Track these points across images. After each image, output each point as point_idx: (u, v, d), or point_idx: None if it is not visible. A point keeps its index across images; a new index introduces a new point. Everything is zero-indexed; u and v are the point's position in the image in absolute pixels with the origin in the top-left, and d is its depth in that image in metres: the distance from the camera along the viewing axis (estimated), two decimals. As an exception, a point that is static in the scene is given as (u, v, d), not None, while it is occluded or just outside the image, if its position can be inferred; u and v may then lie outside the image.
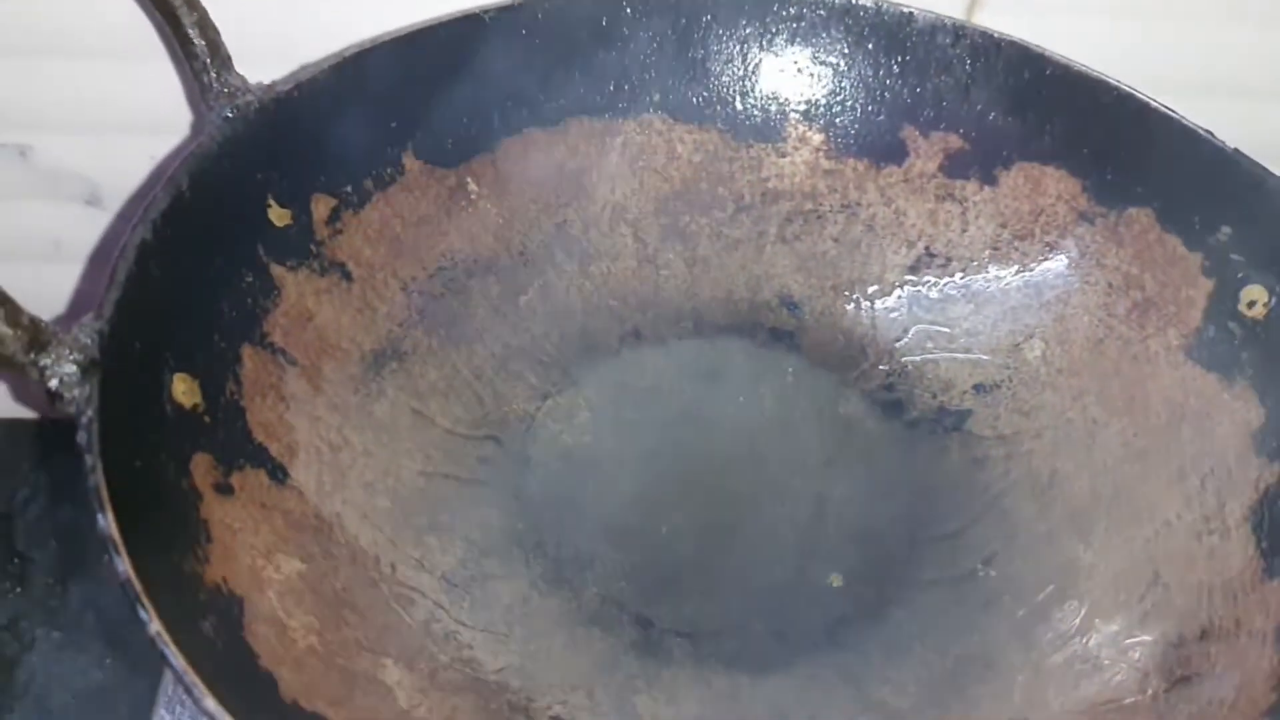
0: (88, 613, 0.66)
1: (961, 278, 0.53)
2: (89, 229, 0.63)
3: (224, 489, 0.38)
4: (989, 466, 0.48)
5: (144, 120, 0.58)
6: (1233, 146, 0.46)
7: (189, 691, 0.28)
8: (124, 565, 0.30)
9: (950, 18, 0.52)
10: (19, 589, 0.67)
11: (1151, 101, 0.48)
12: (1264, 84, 0.58)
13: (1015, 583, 0.44)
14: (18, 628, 0.65)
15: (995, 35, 0.51)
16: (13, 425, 0.74)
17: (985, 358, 0.51)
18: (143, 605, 0.29)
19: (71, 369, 0.34)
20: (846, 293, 0.54)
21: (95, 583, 0.67)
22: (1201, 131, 0.47)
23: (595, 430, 0.49)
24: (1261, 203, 0.45)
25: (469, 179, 0.52)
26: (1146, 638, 0.40)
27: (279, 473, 0.41)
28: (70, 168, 0.61)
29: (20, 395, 0.72)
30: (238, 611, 0.34)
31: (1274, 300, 0.44)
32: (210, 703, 0.28)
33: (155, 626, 0.29)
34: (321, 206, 0.47)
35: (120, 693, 0.62)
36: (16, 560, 0.68)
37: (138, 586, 0.29)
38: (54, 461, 0.73)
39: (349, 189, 0.48)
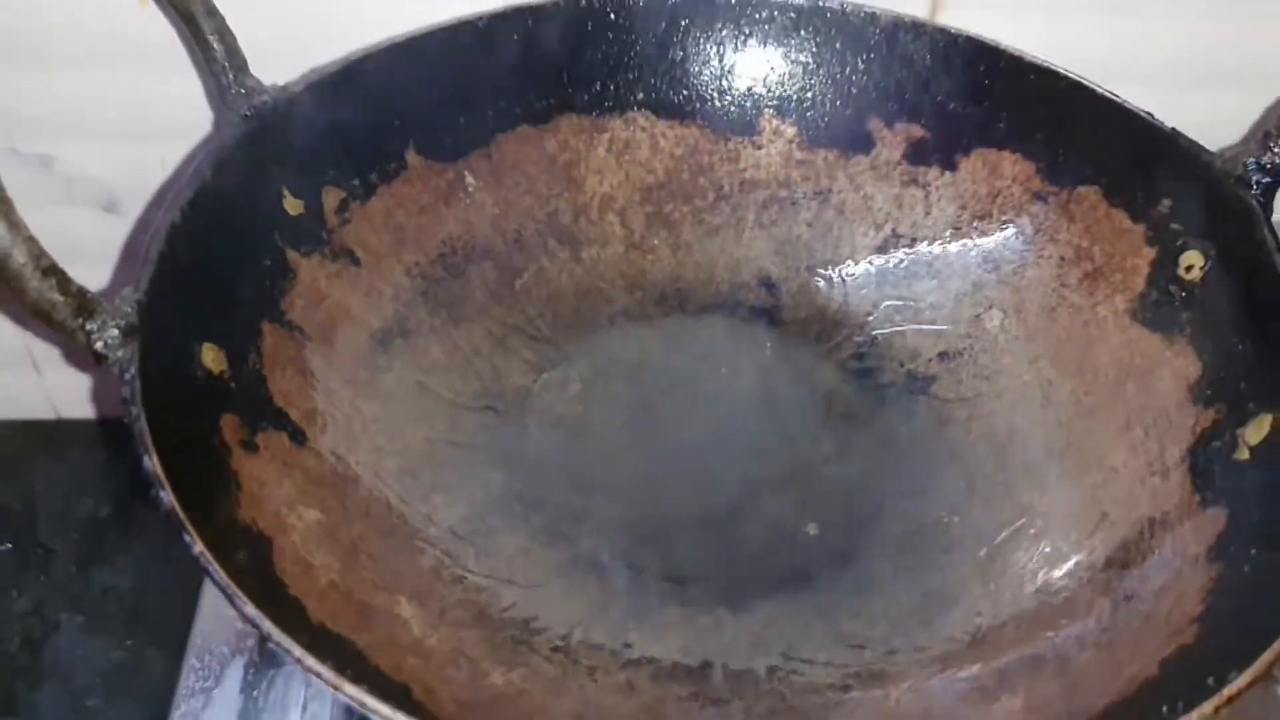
0: (108, 598, 0.69)
1: (926, 256, 0.56)
2: (107, 234, 0.67)
3: (250, 446, 0.41)
4: (953, 426, 0.52)
5: (158, 128, 0.61)
6: (1170, 126, 0.50)
7: (231, 601, 0.32)
8: (168, 497, 0.33)
9: (911, 16, 0.55)
10: (43, 577, 0.70)
11: (1097, 88, 0.52)
12: (1199, 71, 0.62)
13: (977, 528, 0.47)
14: (43, 612, 0.68)
15: (952, 31, 0.55)
16: (30, 425, 0.77)
17: (948, 328, 0.54)
18: (187, 530, 0.33)
19: (114, 333, 0.37)
20: (820, 272, 0.57)
21: (114, 569, 0.71)
22: (1142, 114, 0.50)
23: (587, 400, 0.53)
24: (1197, 176, 0.48)
25: (466, 173, 0.55)
26: (1095, 568, 0.43)
27: (298, 435, 0.44)
28: (90, 175, 0.64)
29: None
30: (267, 548, 0.38)
31: (1209, 264, 0.48)
32: (251, 609, 0.31)
33: (199, 547, 0.32)
34: (331, 198, 0.51)
35: (140, 671, 0.65)
36: (39, 550, 0.71)
37: (181, 515, 0.33)
38: (71, 458, 0.76)
39: (356, 182, 0.52)
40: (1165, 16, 0.60)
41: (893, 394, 0.53)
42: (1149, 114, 0.50)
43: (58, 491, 0.75)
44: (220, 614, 0.48)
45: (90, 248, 0.66)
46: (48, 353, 0.74)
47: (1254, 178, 0.46)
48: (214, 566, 0.32)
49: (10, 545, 0.71)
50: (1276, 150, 0.46)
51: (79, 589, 0.70)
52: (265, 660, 0.46)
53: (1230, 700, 0.31)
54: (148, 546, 0.71)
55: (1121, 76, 0.53)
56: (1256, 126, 0.59)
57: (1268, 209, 0.46)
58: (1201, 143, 0.50)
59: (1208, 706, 0.31)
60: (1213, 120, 0.57)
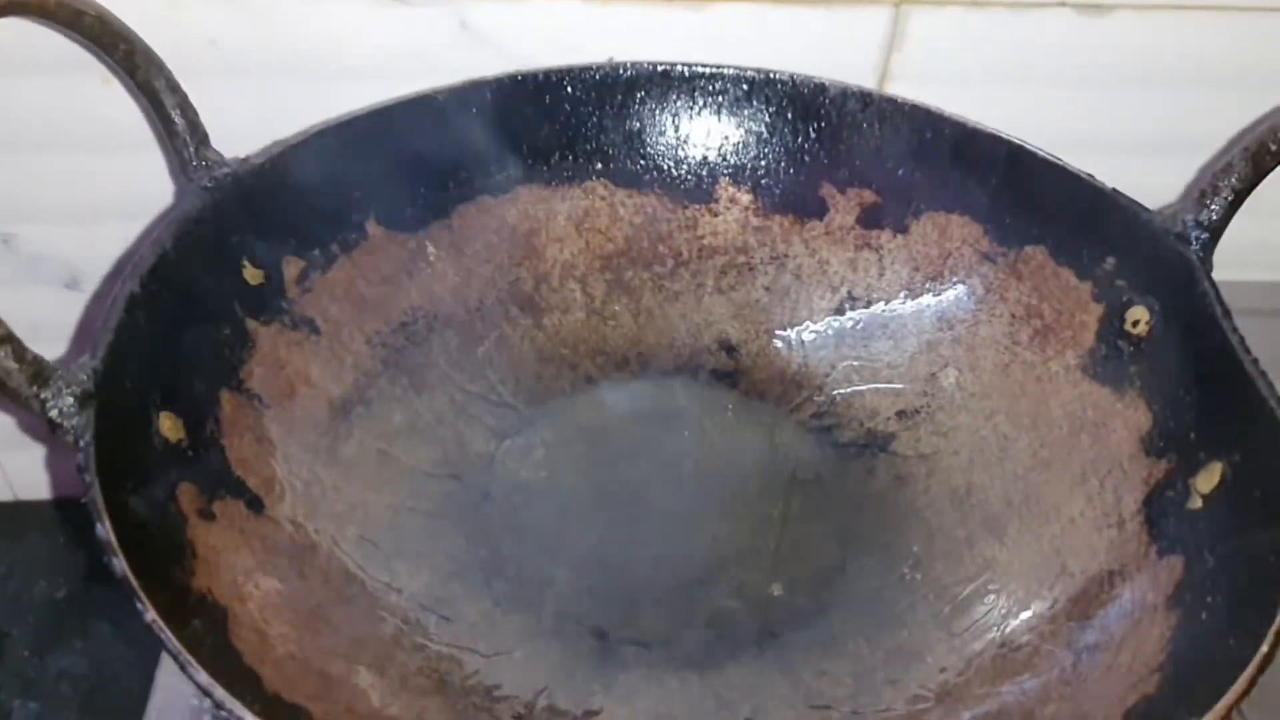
0: (63, 683, 0.68)
1: (881, 317, 0.57)
2: (68, 311, 0.67)
3: (207, 514, 0.41)
4: (912, 483, 0.52)
5: (121, 207, 0.62)
6: (1111, 187, 0.52)
7: (184, 669, 0.31)
8: (120, 564, 0.33)
9: (859, 86, 0.57)
10: (-3, 662, 0.69)
11: (1039, 151, 0.53)
12: (1134, 139, 0.64)
13: (939, 582, 0.48)
14: (-4, 699, 0.67)
15: (899, 100, 0.56)
16: (-13, 507, 0.76)
17: (906, 386, 0.55)
18: (139, 598, 0.32)
19: (70, 401, 0.37)
20: (779, 335, 0.58)
21: (71, 654, 0.69)
22: (1083, 175, 0.52)
23: (550, 466, 0.53)
24: (1138, 234, 0.50)
25: (428, 243, 0.56)
26: (1057, 620, 0.44)
27: (256, 503, 0.44)
28: (51, 253, 0.65)
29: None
30: (222, 617, 0.37)
31: (1154, 319, 0.49)
32: (203, 676, 0.31)
33: (151, 615, 0.32)
34: (292, 267, 0.51)
35: (95, 759, 0.64)
36: (-5, 635, 0.70)
37: (134, 582, 0.32)
38: (27, 540, 0.75)
39: (317, 252, 0.52)
40: (1101, 88, 0.62)
41: (853, 452, 0.54)
42: (1089, 175, 0.52)
43: (13, 574, 0.73)
44: (176, 689, 0.47)
45: (52, 324, 0.67)
46: (4, 435, 0.73)
47: (1193, 234, 0.48)
48: (166, 634, 0.32)
49: (-37, 630, 0.70)
50: (1213, 207, 0.48)
51: (34, 674, 0.68)
52: (221, 737, 0.45)
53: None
54: (104, 629, 0.70)
55: (1063, 144, 0.55)
56: (1193, 185, 0.62)
57: (1207, 263, 0.48)
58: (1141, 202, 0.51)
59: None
60: (1150, 184, 0.60)
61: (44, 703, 0.67)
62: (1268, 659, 0.34)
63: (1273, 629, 0.34)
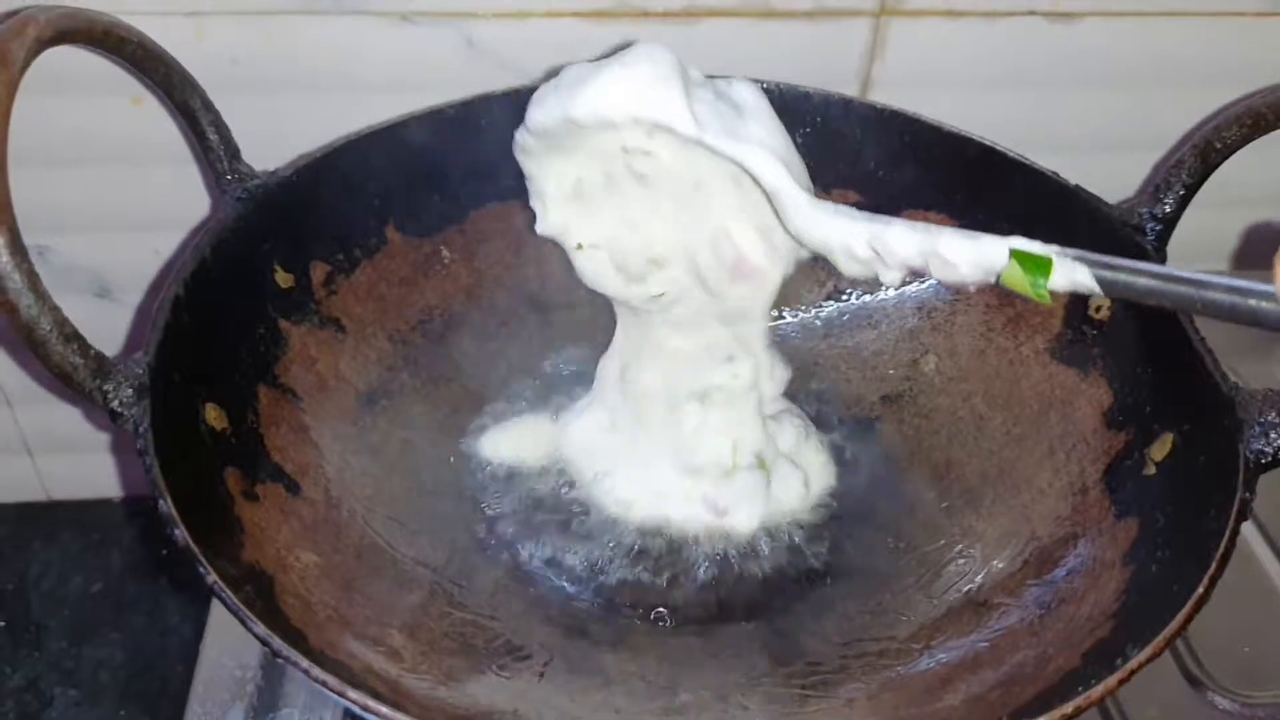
0: (101, 672, 0.72)
1: (866, 308, 0.61)
2: (100, 319, 0.71)
3: (251, 496, 0.45)
4: (897, 463, 0.56)
5: (149, 220, 0.66)
6: (1074, 183, 0.56)
7: (244, 623, 0.35)
8: (183, 534, 0.37)
9: (841, 93, 0.61)
10: (37, 653, 0.72)
11: (1008, 151, 0.57)
12: (1100, 136, 0.68)
13: (921, 549, 0.52)
14: (37, 687, 0.71)
15: (879, 106, 0.60)
16: (24, 508, 0.80)
17: (890, 372, 0.59)
18: (201, 564, 0.36)
19: (129, 393, 0.41)
20: (772, 323, 0.62)
21: (106, 645, 0.73)
22: (1048, 172, 0.56)
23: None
24: (1099, 226, 0.54)
25: (443, 247, 0.60)
26: (1027, 579, 0.48)
27: (294, 486, 0.48)
28: (83, 264, 0.68)
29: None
30: (269, 584, 0.41)
31: (1115, 304, 0.53)
32: (261, 628, 0.35)
33: (213, 577, 0.36)
34: (319, 271, 0.55)
35: (134, 744, 0.67)
36: (33, 628, 0.74)
37: (195, 550, 0.36)
38: (62, 540, 0.79)
39: (341, 257, 0.56)
40: (1070, 89, 0.66)
41: (841, 437, 0.58)
42: (1054, 173, 0.56)
43: (49, 571, 0.77)
44: (220, 663, 0.50)
45: (85, 331, 0.70)
46: (39, 437, 0.77)
47: (1148, 225, 0.52)
48: (227, 594, 0.35)
49: (4, 624, 0.73)
50: (1166, 201, 0.52)
51: (72, 664, 0.72)
52: (264, 704, 0.49)
53: (1132, 674, 0.36)
54: (137, 621, 0.74)
55: (1035, 142, 0.59)
56: (1148, 181, 0.66)
57: (1161, 253, 0.52)
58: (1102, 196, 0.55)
59: (1112, 680, 0.35)
60: (1116, 177, 0.64)
61: (83, 690, 0.70)
62: (1203, 599, 0.38)
63: (1207, 574, 0.38)
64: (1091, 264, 0.38)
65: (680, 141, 0.44)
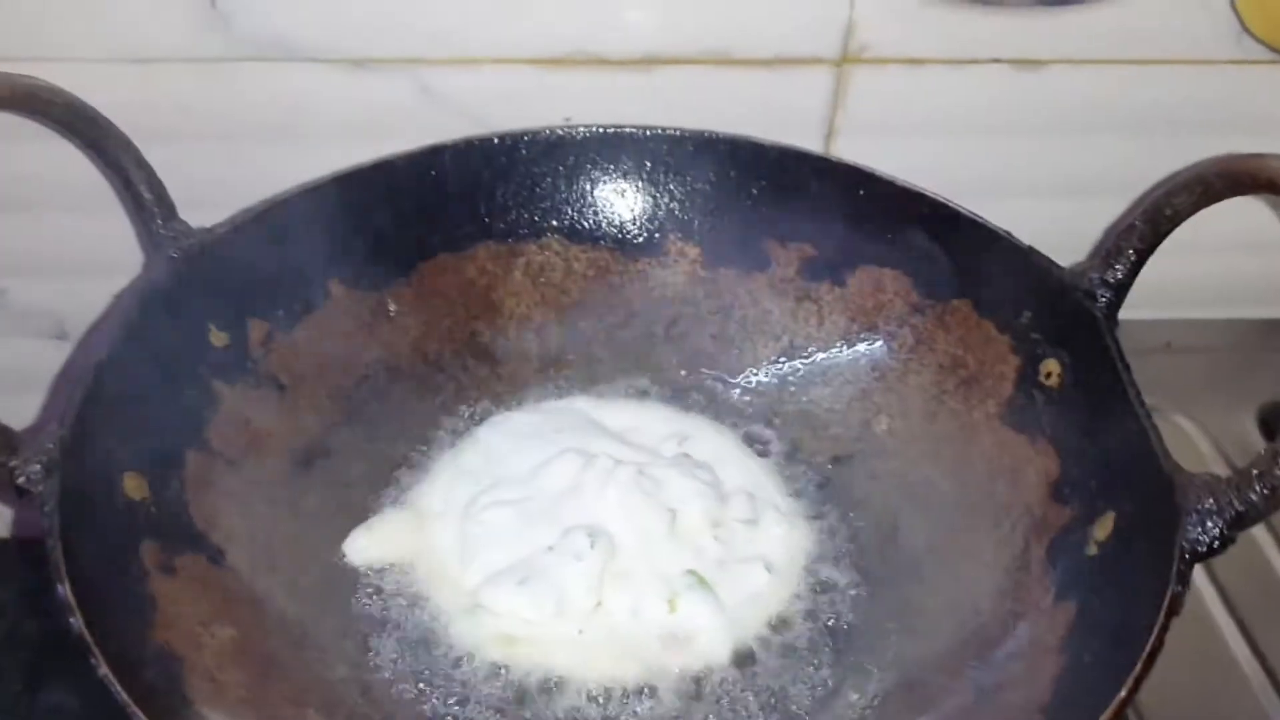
0: (55, 718, 0.71)
1: (820, 365, 0.60)
2: (57, 362, 0.70)
3: (168, 569, 0.44)
4: (844, 526, 0.55)
5: (107, 262, 0.65)
6: (1028, 244, 0.54)
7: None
8: (78, 622, 0.36)
9: (797, 147, 0.60)
10: (-10, 696, 0.71)
11: (961, 210, 0.56)
12: (1065, 184, 0.67)
13: (863, 623, 0.50)
14: (-12, 733, 0.70)
15: (833, 160, 0.60)
16: (-16, 545, 0.79)
17: (841, 431, 0.58)
18: (93, 654, 0.35)
19: (36, 468, 0.41)
20: (726, 380, 0.61)
21: (62, 689, 0.72)
22: (1001, 233, 0.55)
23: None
24: (1050, 289, 0.53)
25: (389, 299, 0.59)
26: (965, 659, 0.46)
27: (217, 556, 0.47)
28: (41, 307, 0.68)
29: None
30: (178, 667, 0.40)
31: (1065, 371, 0.52)
32: (145, 728, 0.34)
33: (104, 670, 0.35)
34: (256, 330, 0.54)
35: (86, 795, 0.66)
36: (-12, 669, 0.73)
37: (89, 639, 0.36)
38: (20, 578, 0.78)
39: (280, 313, 0.55)
40: (1035, 138, 0.65)
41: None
42: (1007, 233, 0.55)
43: (5, 611, 0.76)
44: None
45: (42, 375, 0.70)
46: (-2, 474, 0.76)
47: (1098, 292, 0.51)
48: (116, 688, 0.35)
49: (-43, 667, 0.73)
50: (1117, 267, 0.51)
51: (25, 710, 0.71)
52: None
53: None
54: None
55: (999, 190, 0.59)
56: (1099, 245, 0.65)
57: (1112, 320, 0.51)
58: (1067, 250, 0.54)
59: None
60: (1078, 226, 0.63)
61: (36, 739, 0.70)
62: (1125, 702, 0.36)
63: (1132, 675, 0.37)
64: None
65: None
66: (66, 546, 0.39)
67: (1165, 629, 0.38)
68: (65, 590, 0.37)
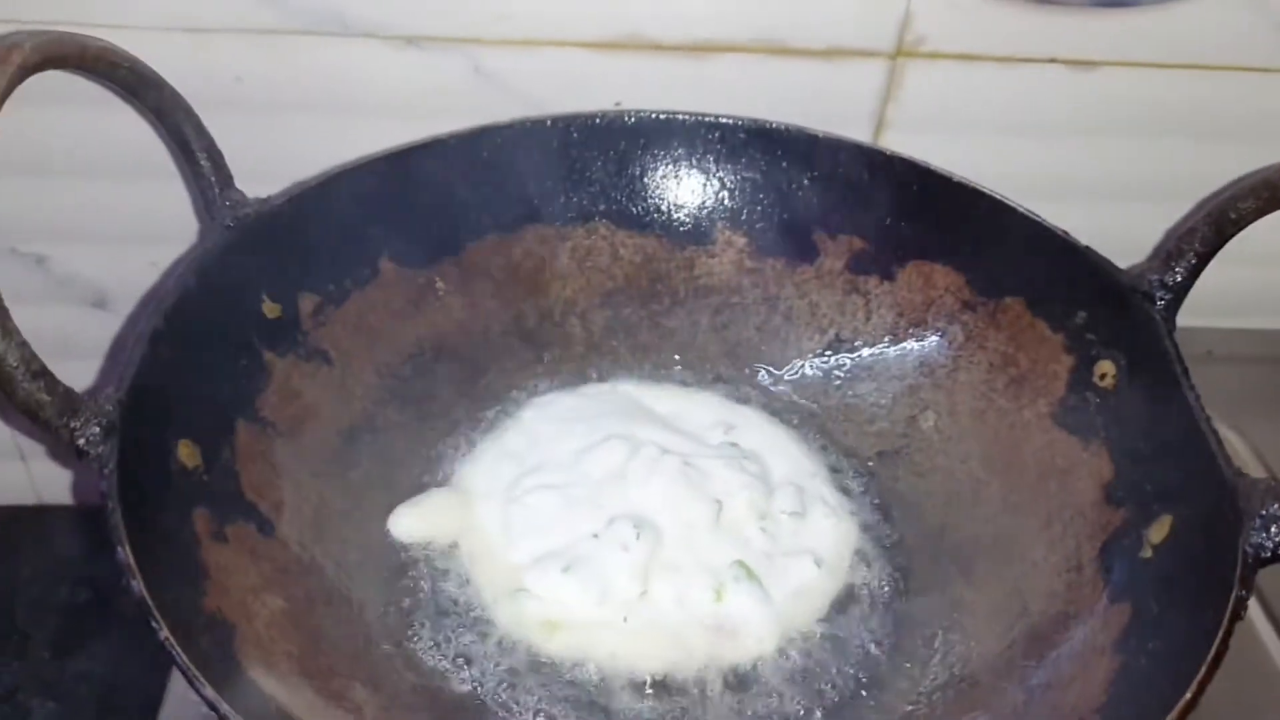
0: (82, 685, 0.71)
1: (866, 360, 0.60)
2: (97, 330, 0.70)
3: (220, 537, 0.44)
4: (888, 521, 0.55)
5: (147, 232, 0.65)
6: (1084, 244, 0.54)
7: (192, 684, 0.34)
8: (138, 586, 0.36)
9: (850, 138, 0.60)
10: (18, 662, 0.71)
11: (1017, 206, 0.56)
12: (1118, 187, 0.66)
13: (910, 619, 0.50)
14: (15, 699, 0.70)
15: (888, 153, 0.59)
16: (14, 512, 0.79)
17: (887, 427, 0.58)
18: (154, 618, 0.35)
19: (96, 430, 0.40)
20: (769, 374, 0.61)
21: (89, 657, 0.72)
22: (1059, 231, 0.54)
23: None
24: (1107, 291, 0.52)
25: (437, 278, 0.59)
26: (1014, 660, 0.46)
27: (267, 527, 0.47)
28: (82, 275, 0.68)
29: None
30: (230, 634, 0.40)
31: (1120, 373, 0.51)
32: (209, 691, 0.34)
33: (164, 633, 0.35)
34: (307, 302, 0.54)
35: (112, 761, 0.67)
36: (16, 636, 0.73)
37: (150, 603, 0.36)
38: (52, 544, 0.78)
39: (331, 287, 0.55)
40: (1088, 138, 0.65)
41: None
42: (1064, 232, 0.54)
43: (37, 578, 0.76)
44: (186, 698, 0.50)
45: (81, 343, 0.70)
46: (33, 442, 0.76)
47: (1157, 294, 0.50)
48: (178, 652, 0.34)
49: (-13, 631, 0.73)
50: (1177, 270, 0.50)
51: (53, 675, 0.71)
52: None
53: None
54: (123, 634, 0.73)
55: (1050, 191, 0.58)
56: (1159, 247, 0.64)
57: (1170, 322, 0.50)
58: (1118, 253, 0.54)
59: (1089, 789, 0.34)
60: (1131, 229, 0.62)
61: (62, 704, 0.70)
62: (1190, 705, 0.36)
63: (1196, 679, 0.36)
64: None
65: None
66: (125, 510, 0.38)
67: (1230, 634, 0.38)
68: (126, 553, 0.37)
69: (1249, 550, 0.40)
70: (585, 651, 0.48)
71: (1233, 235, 0.49)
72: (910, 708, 0.46)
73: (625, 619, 0.49)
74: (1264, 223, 0.49)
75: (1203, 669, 0.36)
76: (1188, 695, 0.36)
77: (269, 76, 0.60)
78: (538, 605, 0.49)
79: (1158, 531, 0.45)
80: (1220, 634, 0.37)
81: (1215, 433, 0.44)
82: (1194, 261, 0.50)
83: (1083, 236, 0.54)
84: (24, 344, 0.39)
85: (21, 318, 0.40)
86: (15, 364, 0.38)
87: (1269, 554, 0.40)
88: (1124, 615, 0.44)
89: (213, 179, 0.52)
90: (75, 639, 0.73)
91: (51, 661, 0.72)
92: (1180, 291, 0.50)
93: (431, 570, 0.51)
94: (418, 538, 0.52)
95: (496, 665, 0.47)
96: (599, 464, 0.54)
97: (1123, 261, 0.54)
